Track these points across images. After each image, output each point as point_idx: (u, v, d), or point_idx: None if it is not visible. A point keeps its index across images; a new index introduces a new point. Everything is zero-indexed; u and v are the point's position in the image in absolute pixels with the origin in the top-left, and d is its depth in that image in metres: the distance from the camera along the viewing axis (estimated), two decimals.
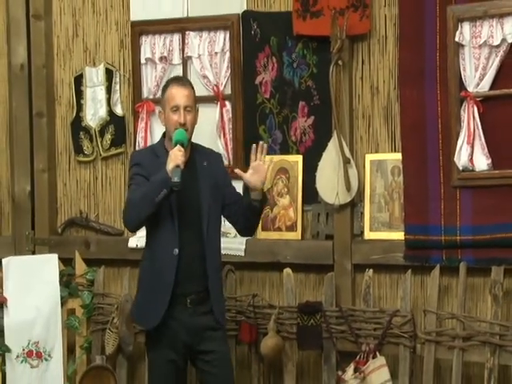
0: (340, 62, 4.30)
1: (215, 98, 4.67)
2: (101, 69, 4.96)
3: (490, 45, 4.04)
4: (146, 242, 3.86)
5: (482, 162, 4.08)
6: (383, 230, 4.35)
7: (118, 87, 4.95)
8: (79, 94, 5.02)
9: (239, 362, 4.54)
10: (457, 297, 4.12)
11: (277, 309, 4.38)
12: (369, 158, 4.40)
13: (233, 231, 4.31)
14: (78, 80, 5.02)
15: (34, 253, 5.03)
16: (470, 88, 4.09)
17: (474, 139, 4.07)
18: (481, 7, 4.04)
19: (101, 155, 4.99)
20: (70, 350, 4.77)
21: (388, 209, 4.36)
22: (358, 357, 4.17)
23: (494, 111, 4.07)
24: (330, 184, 4.34)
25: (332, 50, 4.28)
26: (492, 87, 4.06)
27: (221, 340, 3.83)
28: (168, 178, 3.54)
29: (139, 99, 4.84)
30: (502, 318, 3.99)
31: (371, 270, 4.26)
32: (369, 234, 4.37)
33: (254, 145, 3.77)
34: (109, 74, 4.94)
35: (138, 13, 4.86)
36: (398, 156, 4.30)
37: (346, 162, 4.29)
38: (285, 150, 4.56)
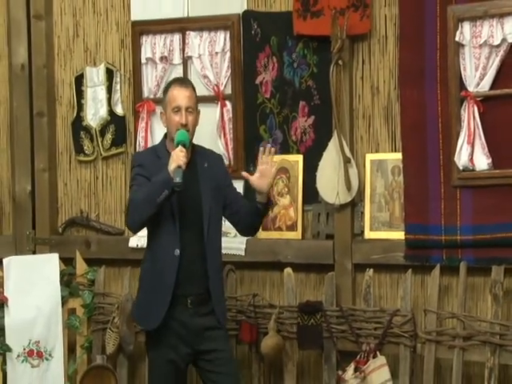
0: (340, 62, 4.30)
1: (216, 98, 4.67)
2: (101, 69, 4.96)
3: (490, 44, 4.04)
4: (147, 243, 3.86)
5: (482, 162, 4.08)
6: (383, 230, 4.36)
7: (118, 87, 4.95)
8: (80, 94, 5.02)
9: (240, 361, 4.54)
10: (457, 296, 4.13)
11: (277, 308, 4.38)
12: (369, 157, 4.40)
13: (233, 231, 4.31)
14: (79, 80, 5.02)
15: (34, 252, 5.04)
16: (471, 88, 4.09)
17: (474, 139, 4.07)
18: (481, 7, 4.04)
19: (101, 155, 4.99)
20: (70, 350, 4.77)
21: (388, 208, 4.36)
22: (358, 356, 4.17)
23: (495, 111, 4.07)
24: (330, 184, 4.34)
25: (332, 50, 4.28)
26: (492, 87, 4.07)
27: (222, 339, 3.83)
28: (170, 178, 3.55)
29: (140, 99, 4.84)
30: (502, 318, 3.99)
31: (371, 270, 4.26)
32: (369, 234, 4.38)
33: (262, 148, 3.77)
34: (109, 74, 4.94)
35: (138, 13, 4.86)
36: (399, 156, 4.30)
37: (347, 161, 4.29)
38: (285, 149, 4.56)
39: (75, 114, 5.04)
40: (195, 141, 3.87)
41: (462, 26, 4.10)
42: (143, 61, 4.84)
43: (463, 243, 4.11)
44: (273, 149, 3.77)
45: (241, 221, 3.87)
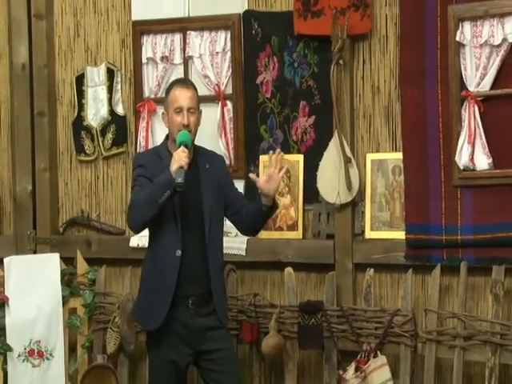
0: (341, 62, 4.30)
1: (216, 98, 4.67)
2: (102, 68, 4.96)
3: (490, 44, 4.04)
4: (149, 244, 3.87)
5: (482, 162, 4.08)
6: (384, 230, 4.36)
7: (119, 87, 4.95)
8: (80, 94, 5.02)
9: (240, 361, 4.53)
10: (458, 296, 4.13)
11: (278, 308, 4.38)
12: (370, 157, 4.40)
13: (234, 230, 4.31)
14: (80, 80, 5.03)
15: (35, 252, 5.04)
16: (471, 87, 4.09)
17: (474, 139, 4.07)
18: (482, 7, 4.04)
19: (102, 155, 4.99)
20: (71, 349, 4.78)
21: (389, 208, 4.37)
22: (359, 356, 4.18)
23: (495, 111, 4.07)
24: (330, 183, 4.34)
25: (333, 50, 4.28)
26: (493, 87, 4.07)
27: (224, 338, 3.84)
28: (172, 178, 3.55)
29: (140, 99, 4.85)
30: (502, 318, 4.00)
31: (372, 270, 4.26)
32: (370, 234, 4.38)
33: (271, 151, 3.77)
34: (110, 74, 4.94)
35: (139, 13, 4.86)
36: (399, 155, 4.31)
37: (347, 161, 4.29)
38: (286, 149, 4.55)
39: (76, 114, 5.04)
40: (196, 141, 3.87)
41: (462, 26, 4.10)
42: (144, 60, 4.84)
43: (464, 243, 4.11)
44: (282, 154, 3.77)
45: (241, 220, 3.87)
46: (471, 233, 4.10)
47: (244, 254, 4.54)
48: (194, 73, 4.74)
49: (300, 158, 4.53)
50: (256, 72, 4.62)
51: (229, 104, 4.68)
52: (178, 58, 4.77)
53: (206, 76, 4.70)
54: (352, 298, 4.37)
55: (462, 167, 4.12)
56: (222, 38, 4.66)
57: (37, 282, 4.66)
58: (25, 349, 4.61)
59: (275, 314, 4.34)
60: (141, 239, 4.63)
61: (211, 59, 4.69)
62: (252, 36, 4.61)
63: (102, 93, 4.96)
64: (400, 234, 4.28)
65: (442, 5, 4.12)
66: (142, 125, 4.82)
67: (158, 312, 3.72)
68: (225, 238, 3.99)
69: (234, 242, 4.50)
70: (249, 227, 3.90)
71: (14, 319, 4.60)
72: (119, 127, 4.94)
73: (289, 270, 4.42)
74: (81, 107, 5.02)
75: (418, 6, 4.18)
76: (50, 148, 5.08)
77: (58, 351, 4.67)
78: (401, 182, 4.31)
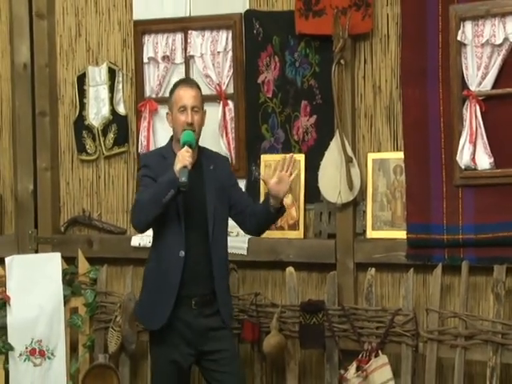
0: (342, 61, 4.30)
1: (218, 98, 4.67)
2: (103, 68, 4.97)
3: (492, 44, 4.04)
4: (153, 244, 3.87)
5: (484, 161, 4.08)
6: (385, 229, 4.36)
7: (120, 86, 4.95)
8: (82, 93, 5.02)
9: (242, 360, 4.54)
10: (459, 295, 4.13)
11: (279, 307, 4.39)
12: (371, 156, 4.41)
13: (235, 230, 4.31)
14: (81, 79, 5.03)
15: (36, 251, 5.04)
16: (473, 87, 4.09)
17: (476, 138, 4.07)
18: (483, 6, 4.04)
19: (103, 154, 5.00)
20: (72, 349, 4.78)
21: (390, 208, 4.37)
22: (360, 355, 4.18)
23: (497, 110, 4.07)
24: (332, 183, 4.34)
25: (334, 49, 4.28)
26: (494, 86, 4.07)
27: (226, 339, 3.84)
28: (175, 178, 3.55)
29: (142, 98, 4.85)
30: (504, 317, 4.00)
31: (373, 269, 4.26)
32: (371, 233, 4.38)
33: (283, 154, 3.76)
34: (111, 74, 4.94)
35: (140, 12, 4.86)
36: (400, 155, 4.31)
37: (349, 160, 4.29)
38: (287, 149, 4.56)
39: (77, 114, 5.04)
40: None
41: (463, 26, 4.10)
42: (145, 60, 4.84)
43: (465, 242, 4.11)
44: (294, 157, 3.76)
45: (245, 221, 3.87)
46: (472, 232, 4.10)
47: (245, 253, 4.54)
48: (196, 72, 4.74)
49: (301, 157, 4.52)
50: (257, 72, 4.62)
51: (230, 104, 4.68)
52: (179, 58, 4.77)
53: (207, 76, 4.70)
54: (353, 297, 4.38)
55: (463, 167, 4.12)
56: (224, 38, 4.66)
57: (38, 281, 4.66)
58: (26, 348, 4.62)
59: (276, 313, 4.35)
60: (142, 238, 4.63)
61: (212, 59, 4.69)
62: (253, 35, 4.61)
63: (104, 92, 4.96)
64: (401, 234, 4.28)
65: (444, 4, 4.12)
66: (144, 124, 4.82)
67: (161, 312, 3.71)
68: None
69: (236, 242, 4.49)
70: (253, 228, 3.89)
71: (16, 318, 4.60)
72: (120, 127, 4.94)
73: (290, 269, 4.42)
74: (82, 107, 5.02)
75: (420, 6, 4.18)
76: (51, 147, 5.08)
77: (60, 350, 4.67)
78: (402, 182, 4.31)
